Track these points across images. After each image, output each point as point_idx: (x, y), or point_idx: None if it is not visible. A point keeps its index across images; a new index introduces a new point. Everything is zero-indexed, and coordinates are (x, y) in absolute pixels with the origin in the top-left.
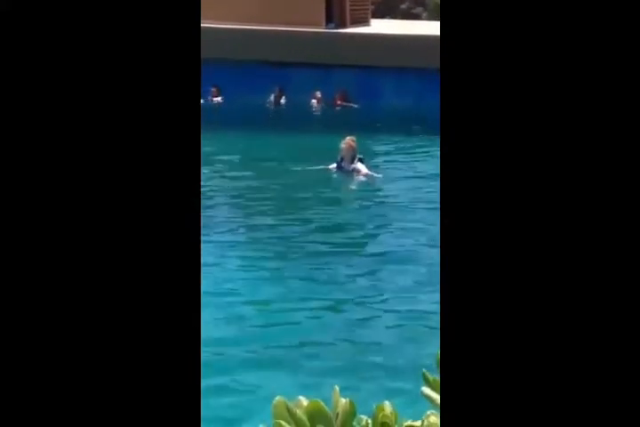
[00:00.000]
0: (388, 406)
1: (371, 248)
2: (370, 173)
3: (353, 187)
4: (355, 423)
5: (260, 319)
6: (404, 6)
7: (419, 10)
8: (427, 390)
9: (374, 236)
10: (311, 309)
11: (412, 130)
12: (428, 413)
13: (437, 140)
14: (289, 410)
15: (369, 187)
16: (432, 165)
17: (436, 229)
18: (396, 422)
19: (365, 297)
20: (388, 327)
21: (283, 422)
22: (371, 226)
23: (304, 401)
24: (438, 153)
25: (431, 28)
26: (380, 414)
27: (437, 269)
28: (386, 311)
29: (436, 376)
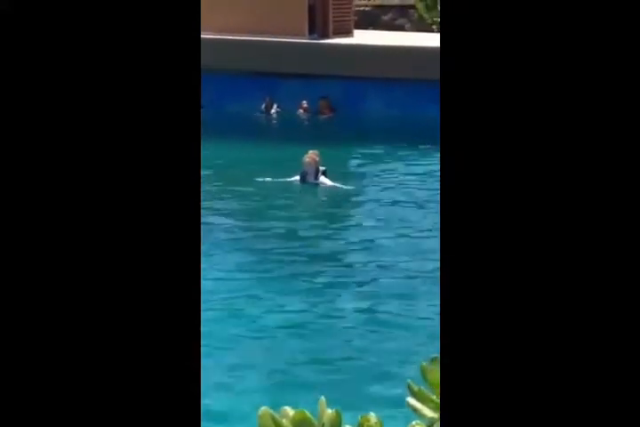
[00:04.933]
0: (372, 417)
1: (341, 258)
2: (335, 185)
3: (318, 199)
4: None
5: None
6: (387, 17)
7: (402, 21)
8: (412, 400)
9: (344, 246)
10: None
11: (394, 140)
12: (413, 423)
13: (419, 150)
14: (274, 420)
15: (335, 199)
16: (411, 175)
17: (405, 239)
18: None
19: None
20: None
21: None
22: (338, 237)
23: (290, 411)
24: (419, 163)
25: (415, 39)
26: (365, 425)
27: (409, 276)
28: (348, 316)
29: (420, 386)
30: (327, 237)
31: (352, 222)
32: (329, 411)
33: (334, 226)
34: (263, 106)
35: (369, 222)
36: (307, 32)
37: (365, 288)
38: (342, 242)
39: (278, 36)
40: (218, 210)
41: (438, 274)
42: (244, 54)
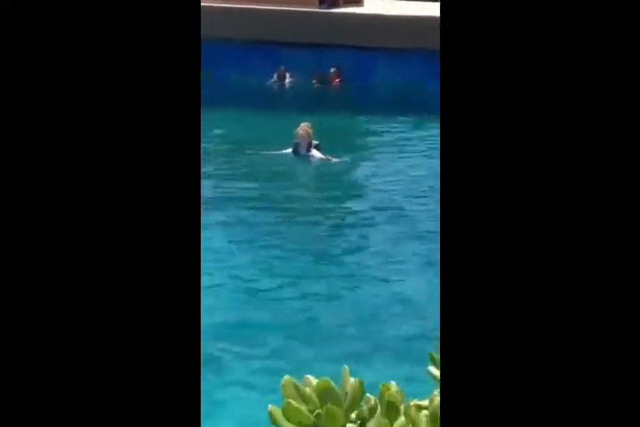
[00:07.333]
0: (394, 386)
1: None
2: (326, 157)
3: (310, 171)
4: (362, 403)
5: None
6: None
7: None
8: (434, 369)
9: (333, 217)
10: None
11: (402, 111)
12: (435, 392)
13: (427, 121)
14: (298, 389)
15: (325, 171)
16: (415, 146)
17: (393, 212)
18: (402, 402)
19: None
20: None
21: (292, 401)
22: (329, 208)
23: (313, 380)
24: (421, 135)
25: (424, 8)
26: (387, 394)
27: (392, 244)
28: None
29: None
30: (316, 207)
31: (341, 194)
32: (352, 380)
33: (324, 197)
34: (275, 75)
35: (357, 197)
36: (317, 1)
37: (355, 259)
38: (332, 212)
39: (288, 5)
40: (209, 176)
41: (430, 251)
42: (254, 23)
